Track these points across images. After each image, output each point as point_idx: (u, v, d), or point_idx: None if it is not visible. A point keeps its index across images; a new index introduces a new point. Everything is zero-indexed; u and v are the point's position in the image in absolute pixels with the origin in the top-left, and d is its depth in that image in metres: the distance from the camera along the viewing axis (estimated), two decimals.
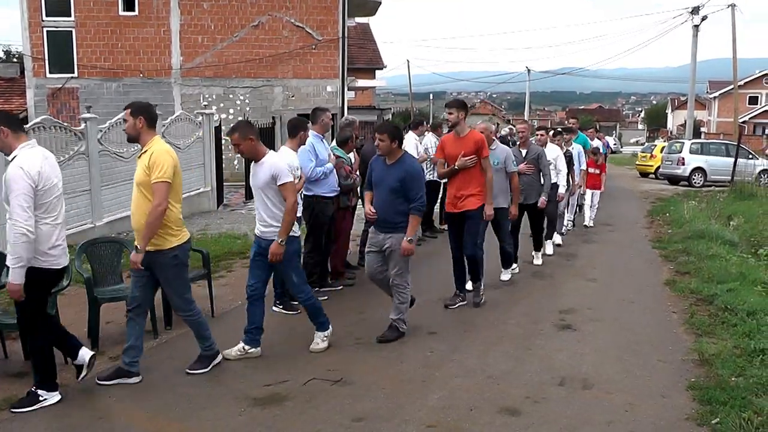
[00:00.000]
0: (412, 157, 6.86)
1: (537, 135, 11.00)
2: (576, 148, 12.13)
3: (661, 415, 4.83)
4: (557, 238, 11.40)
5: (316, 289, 7.62)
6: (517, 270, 9.20)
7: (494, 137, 8.40)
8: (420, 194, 6.26)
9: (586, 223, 13.67)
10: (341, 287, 8.40)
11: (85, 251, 6.57)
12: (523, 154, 9.27)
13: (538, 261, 9.96)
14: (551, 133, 11.15)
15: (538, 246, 10.14)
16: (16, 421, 4.73)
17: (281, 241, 5.78)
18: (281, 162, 5.96)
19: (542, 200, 9.39)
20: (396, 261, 6.34)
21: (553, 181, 10.08)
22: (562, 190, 10.63)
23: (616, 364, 5.87)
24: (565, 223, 12.34)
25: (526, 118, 63.62)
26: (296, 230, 6.11)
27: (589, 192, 13.54)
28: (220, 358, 5.75)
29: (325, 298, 7.76)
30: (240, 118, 14.39)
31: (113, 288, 6.62)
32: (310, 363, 5.81)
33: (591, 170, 13.34)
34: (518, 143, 9.64)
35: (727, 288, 8.07)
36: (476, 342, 6.46)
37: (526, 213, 9.45)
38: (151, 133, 5.34)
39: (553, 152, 10.44)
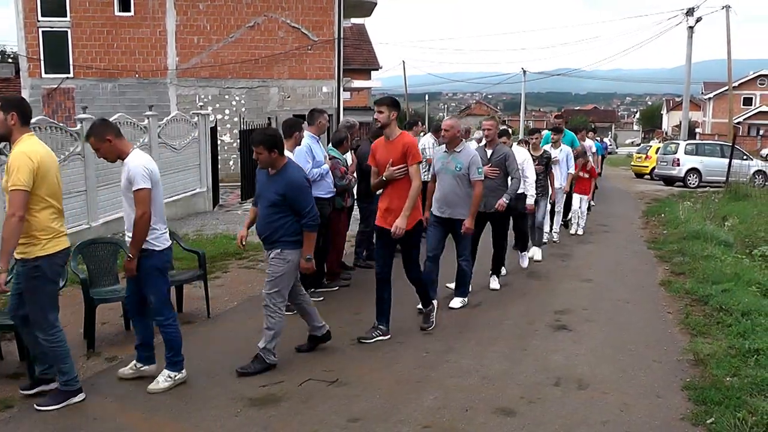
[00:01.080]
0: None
1: (532, 140, 10.63)
2: (564, 150, 11.65)
3: (656, 415, 4.85)
4: (536, 252, 10.36)
5: (312, 290, 7.63)
6: (466, 301, 7.71)
7: (463, 138, 7.83)
8: (308, 207, 5.56)
9: (572, 231, 12.75)
10: (337, 288, 8.40)
11: (80, 252, 6.55)
12: (488, 155, 8.25)
13: (494, 285, 8.53)
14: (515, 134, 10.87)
15: (496, 267, 8.68)
16: (12, 423, 4.73)
17: (130, 256, 5.16)
18: (140, 165, 5.09)
19: (501, 202, 8.07)
20: (267, 276, 5.70)
21: (519, 191, 8.89)
22: (530, 200, 9.39)
23: (612, 365, 5.88)
24: (548, 231, 11.52)
25: (522, 118, 63.67)
26: (159, 243, 5.29)
27: (576, 198, 12.71)
28: (80, 397, 5.03)
29: (321, 298, 7.77)
30: (169, 118, 14.37)
31: (109, 289, 6.60)
32: (306, 364, 5.81)
33: (580, 174, 12.71)
34: (485, 144, 8.43)
35: (722, 288, 8.09)
36: (471, 342, 6.47)
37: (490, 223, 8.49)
38: (23, 131, 4.79)
39: (519, 156, 9.16)
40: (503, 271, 8.92)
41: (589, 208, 14.13)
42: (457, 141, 7.31)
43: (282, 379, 5.47)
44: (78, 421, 4.75)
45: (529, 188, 9.32)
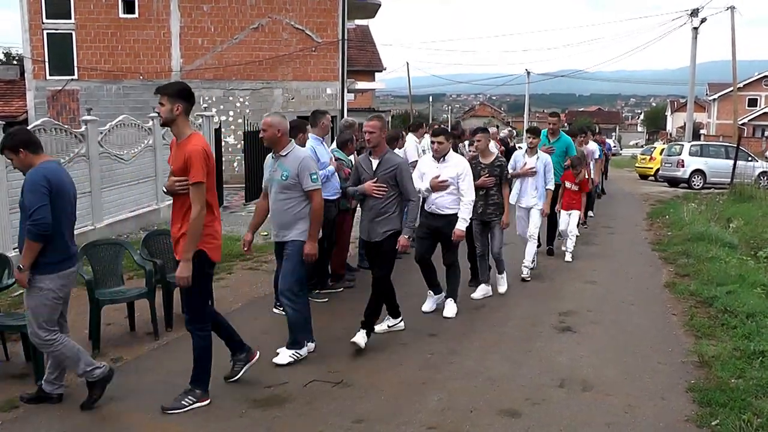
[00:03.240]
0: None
1: (529, 139, 9.51)
2: (542, 159, 9.21)
3: (660, 417, 4.84)
4: (482, 289, 8.19)
5: (317, 291, 7.63)
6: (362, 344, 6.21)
7: (304, 136, 6.78)
8: (33, 209, 4.62)
9: (567, 258, 10.40)
10: (341, 289, 8.41)
11: (85, 253, 6.57)
12: (373, 167, 6.38)
13: (380, 328, 6.72)
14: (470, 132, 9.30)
15: (392, 313, 6.89)
16: (18, 422, 4.74)
17: (20, 267, 4.74)
18: (39, 178, 4.68)
19: (401, 241, 6.33)
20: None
21: (450, 212, 7.18)
22: (461, 225, 7.12)
23: (616, 366, 5.88)
24: (528, 263, 9.18)
25: (525, 120, 63.55)
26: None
27: (564, 215, 10.58)
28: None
29: (325, 300, 7.78)
30: (86, 121, 14.33)
31: (114, 290, 6.63)
32: (310, 365, 5.82)
33: (568, 185, 10.59)
34: (369, 153, 6.58)
35: (727, 290, 8.08)
36: (476, 344, 6.47)
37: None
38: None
39: (457, 165, 7.24)
40: (502, 285, 8.34)
41: (584, 222, 12.84)
42: (280, 142, 5.76)
43: (286, 381, 5.48)
44: (84, 422, 4.76)
45: (463, 209, 7.16)
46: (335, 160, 8.13)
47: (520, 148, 12.19)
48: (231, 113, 23.14)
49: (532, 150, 9.30)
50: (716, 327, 6.93)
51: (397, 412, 4.93)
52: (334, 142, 8.76)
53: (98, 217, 11.42)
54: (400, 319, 6.89)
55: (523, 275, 9.05)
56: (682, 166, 25.27)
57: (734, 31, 32.62)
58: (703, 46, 31.81)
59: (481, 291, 8.17)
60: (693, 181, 24.99)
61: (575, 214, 10.57)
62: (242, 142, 18.50)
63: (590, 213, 14.13)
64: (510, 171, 8.79)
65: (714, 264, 9.63)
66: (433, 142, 7.30)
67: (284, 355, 5.88)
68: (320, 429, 4.66)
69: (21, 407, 4.97)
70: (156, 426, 4.75)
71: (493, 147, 12.16)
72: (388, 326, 6.81)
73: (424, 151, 11.33)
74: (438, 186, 7.17)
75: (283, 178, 5.72)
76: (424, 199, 7.42)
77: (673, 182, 25.91)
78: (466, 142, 15.33)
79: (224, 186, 17.55)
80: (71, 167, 10.52)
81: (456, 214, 7.15)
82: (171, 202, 5.25)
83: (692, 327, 6.97)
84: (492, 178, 8.10)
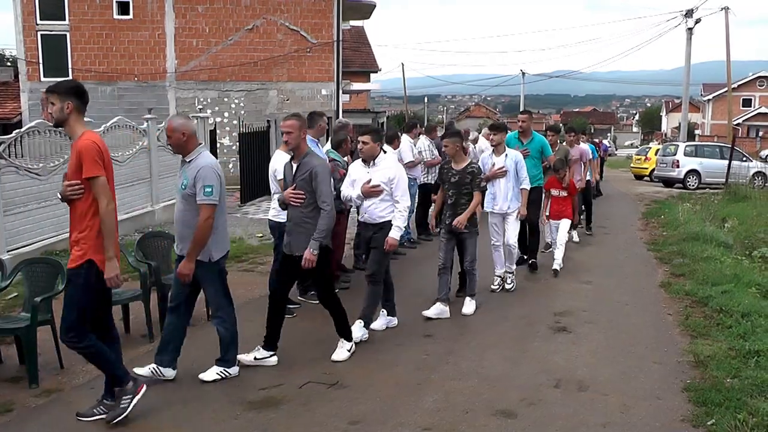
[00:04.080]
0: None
1: (491, 137, 8.67)
2: (511, 157, 8.35)
3: (656, 417, 4.84)
4: (436, 308, 7.29)
5: (311, 293, 7.61)
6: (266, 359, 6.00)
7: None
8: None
9: (554, 266, 9.47)
10: (336, 290, 8.37)
11: None
12: (293, 171, 5.87)
13: (356, 334, 6.37)
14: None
15: (389, 308, 6.93)
16: (11, 426, 4.72)
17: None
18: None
19: (307, 255, 5.68)
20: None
21: (384, 221, 6.50)
22: (395, 233, 6.43)
23: (612, 366, 5.88)
24: (500, 279, 8.52)
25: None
26: None
27: (552, 224, 9.89)
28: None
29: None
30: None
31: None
32: (306, 366, 5.80)
33: (554, 192, 9.79)
34: (292, 157, 6.03)
35: (722, 290, 8.09)
36: (471, 344, 6.47)
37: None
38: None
39: (388, 169, 6.53)
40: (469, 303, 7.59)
41: (588, 230, 12.94)
42: (186, 146, 5.27)
43: (282, 382, 5.47)
44: (77, 425, 4.74)
45: (397, 216, 6.48)
46: (330, 161, 8.10)
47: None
48: (226, 115, 23.13)
49: (498, 149, 8.41)
50: (711, 327, 6.93)
51: (392, 413, 4.92)
52: (329, 143, 8.74)
53: None
54: (352, 343, 6.22)
55: (506, 285, 8.47)
56: (677, 166, 25.32)
57: (728, 31, 32.68)
58: (698, 46, 31.89)
59: (435, 310, 7.26)
60: (688, 182, 25.04)
61: (565, 223, 9.68)
62: (237, 143, 18.48)
63: (591, 226, 13.21)
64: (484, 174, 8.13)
65: (709, 264, 9.64)
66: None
67: (211, 372, 5.48)
68: (315, 431, 4.65)
69: (15, 410, 4.95)
70: (150, 428, 4.73)
71: (481, 147, 11.99)
72: (256, 358, 5.97)
73: (420, 152, 11.35)
74: (369, 192, 6.49)
75: (182, 187, 5.24)
76: (358, 208, 6.99)
77: (668, 182, 25.96)
78: (470, 140, 15.35)
79: None
80: (65, 169, 10.47)
81: (390, 221, 6.47)
82: (168, 203, 5.24)
83: (687, 327, 6.97)
84: (504, 169, 8.19)
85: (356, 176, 6.65)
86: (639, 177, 29.75)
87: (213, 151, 16.52)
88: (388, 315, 6.98)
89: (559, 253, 9.57)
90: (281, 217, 7.21)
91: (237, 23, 22.99)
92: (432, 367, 5.84)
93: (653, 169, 28.05)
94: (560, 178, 9.65)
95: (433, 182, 11.27)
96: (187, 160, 5.26)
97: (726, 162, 23.33)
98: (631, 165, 32.22)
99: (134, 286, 7.28)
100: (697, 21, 30.25)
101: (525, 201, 8.46)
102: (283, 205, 5.97)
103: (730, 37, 32.94)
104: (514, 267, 8.67)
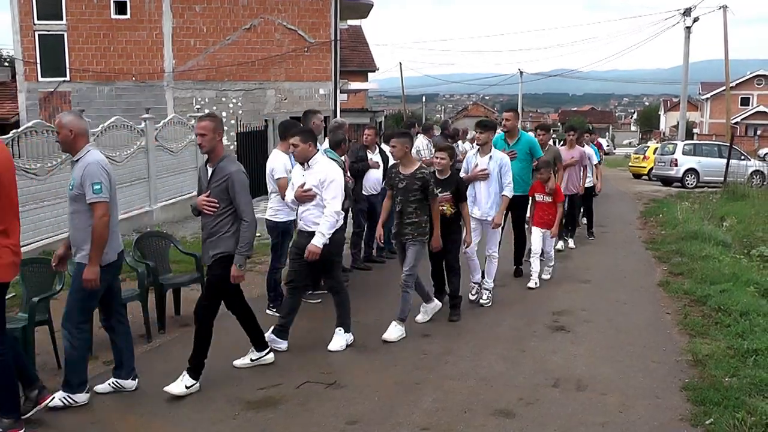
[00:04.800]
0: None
1: (477, 135, 7.95)
2: (496, 159, 7.69)
3: (655, 416, 4.84)
4: (395, 330, 6.55)
5: (310, 292, 7.61)
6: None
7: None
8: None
9: (530, 284, 8.58)
10: None
11: None
12: (208, 176, 5.40)
13: (242, 362, 5.91)
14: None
15: (343, 322, 6.39)
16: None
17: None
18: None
19: (233, 272, 5.28)
20: None
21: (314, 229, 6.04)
22: (318, 240, 5.93)
23: (610, 366, 5.87)
24: (489, 283, 7.84)
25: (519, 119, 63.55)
26: None
27: (536, 233, 8.87)
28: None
29: (318, 300, 7.76)
30: (165, 120, 14.28)
31: None
32: (304, 366, 5.80)
33: (538, 197, 8.90)
34: (207, 161, 5.53)
35: (721, 289, 8.08)
36: (470, 344, 6.46)
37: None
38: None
39: (320, 172, 6.10)
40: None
41: (591, 234, 12.19)
42: (74, 145, 4.96)
43: (280, 382, 5.46)
44: (75, 425, 4.73)
45: (323, 222, 6.00)
46: None
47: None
48: (224, 114, 23.05)
49: (484, 148, 7.78)
50: (710, 325, 6.93)
51: (390, 412, 4.91)
52: (326, 142, 8.73)
53: None
54: (350, 335, 6.31)
55: (482, 300, 7.77)
56: (676, 165, 25.33)
57: (727, 30, 32.69)
58: (696, 45, 31.91)
59: (395, 332, 6.54)
60: (686, 180, 25.05)
61: (548, 234, 8.91)
62: (235, 143, 18.47)
63: (592, 231, 12.57)
64: (462, 175, 7.76)
65: (707, 263, 9.64)
66: (355, 142, 6.71)
67: (56, 398, 4.98)
68: (313, 430, 4.65)
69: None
70: (148, 428, 4.73)
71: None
72: (251, 359, 5.85)
73: (417, 151, 11.33)
74: (302, 197, 6.12)
75: (70, 188, 4.94)
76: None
77: (667, 181, 25.96)
78: (459, 142, 15.31)
79: None
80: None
81: None
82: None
83: (686, 326, 6.97)
84: (486, 171, 7.62)
85: (295, 180, 6.31)
86: (637, 176, 29.75)
87: None
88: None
89: (536, 264, 8.73)
90: (279, 216, 7.23)
91: (235, 23, 22.97)
92: (430, 367, 5.83)
93: (651, 168, 28.05)
94: (542, 181, 8.76)
95: None
96: (75, 159, 4.97)
97: (724, 161, 23.34)
98: (630, 164, 32.23)
99: (132, 287, 7.26)
100: (696, 20, 30.29)
101: (503, 209, 7.77)
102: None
103: (728, 36, 32.95)
104: (492, 283, 7.90)
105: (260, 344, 5.91)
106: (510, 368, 5.82)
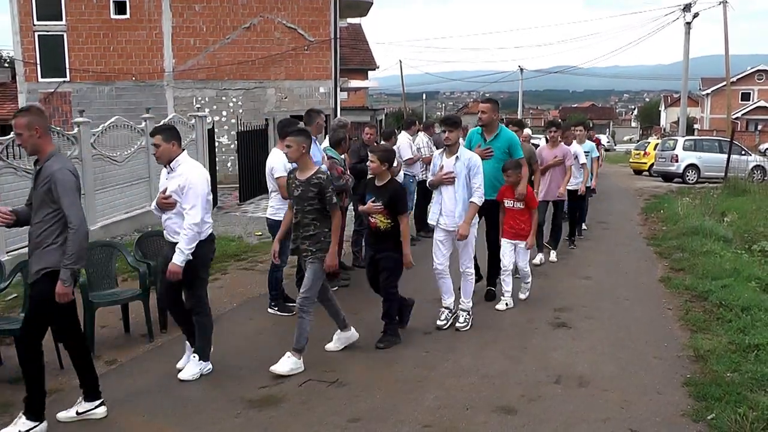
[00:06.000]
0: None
1: (445, 134, 6.79)
2: (464, 160, 6.66)
3: (656, 412, 4.84)
4: (289, 363, 5.68)
5: None
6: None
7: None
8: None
9: (498, 306, 7.52)
10: (336, 288, 8.37)
11: None
12: (35, 176, 4.71)
13: (66, 415, 4.88)
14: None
15: (201, 347, 5.65)
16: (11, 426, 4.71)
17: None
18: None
19: (59, 290, 4.50)
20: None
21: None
22: (177, 258, 5.29)
23: (612, 362, 5.87)
24: (466, 305, 6.92)
25: (519, 117, 63.57)
26: None
27: (505, 245, 7.67)
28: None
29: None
30: (165, 120, 14.23)
31: (108, 292, 6.60)
32: (306, 364, 5.79)
33: (507, 204, 7.62)
34: (36, 161, 4.84)
35: (722, 284, 8.08)
36: (471, 341, 6.46)
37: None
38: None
39: (181, 176, 5.42)
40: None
41: (572, 243, 10.98)
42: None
43: (282, 380, 5.47)
44: (78, 425, 4.74)
45: (182, 237, 5.33)
46: (328, 158, 8.11)
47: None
48: (224, 113, 23.09)
49: (451, 148, 6.76)
50: (711, 321, 6.93)
51: (392, 410, 4.92)
52: (326, 141, 8.74)
53: (92, 219, 11.36)
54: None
55: (458, 323, 6.80)
56: (676, 160, 25.32)
57: (727, 25, 32.66)
58: (696, 40, 31.89)
59: (286, 365, 5.66)
60: (687, 176, 25.04)
61: (521, 246, 7.66)
62: (236, 142, 18.47)
63: (583, 226, 12.30)
64: (429, 179, 7.04)
65: (709, 258, 9.64)
66: (355, 140, 6.15)
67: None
68: (316, 429, 4.65)
69: (15, 412, 4.94)
70: (151, 428, 4.74)
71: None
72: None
73: (418, 149, 11.35)
74: (162, 204, 5.50)
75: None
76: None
77: (667, 177, 25.95)
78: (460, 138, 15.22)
79: (218, 186, 17.50)
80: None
81: None
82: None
83: (687, 321, 6.97)
84: (452, 175, 6.61)
85: (160, 183, 5.70)
86: (638, 172, 29.73)
87: (211, 149, 16.50)
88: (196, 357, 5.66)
89: (507, 285, 7.61)
90: (279, 215, 7.22)
91: (234, 22, 22.95)
92: (432, 365, 5.84)
93: (652, 164, 28.04)
94: (511, 184, 7.53)
95: None
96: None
97: (725, 156, 23.32)
98: (630, 160, 32.20)
99: (134, 286, 7.27)
100: (696, 15, 30.29)
101: (469, 217, 6.63)
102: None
103: (728, 31, 32.92)
104: (470, 303, 6.94)
105: (91, 393, 4.88)
106: (512, 365, 5.82)
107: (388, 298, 6.37)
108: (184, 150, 5.58)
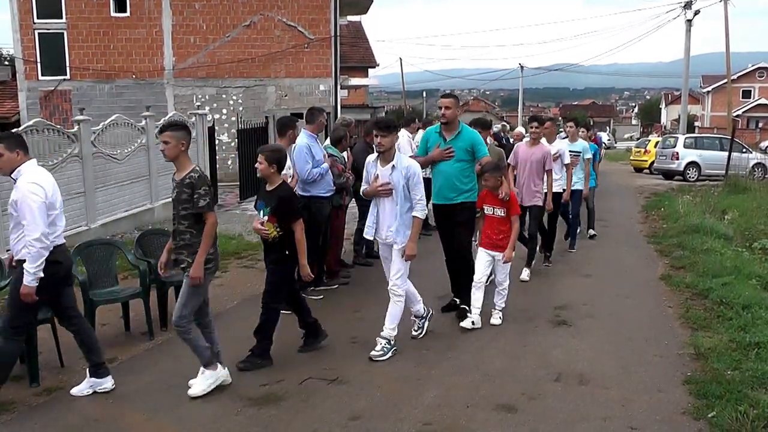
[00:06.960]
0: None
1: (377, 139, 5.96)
2: (401, 167, 5.93)
3: (657, 410, 4.84)
4: (197, 386, 5.16)
5: (312, 288, 7.62)
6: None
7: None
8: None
9: (492, 321, 6.86)
10: (336, 286, 8.39)
11: (79, 254, 6.54)
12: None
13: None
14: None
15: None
16: (12, 424, 4.72)
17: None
18: None
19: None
20: None
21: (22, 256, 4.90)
22: (27, 280, 4.76)
23: (612, 360, 5.87)
24: (389, 331, 6.06)
25: (519, 114, 63.52)
26: None
27: (481, 255, 6.89)
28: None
29: (321, 297, 7.77)
30: (165, 118, 14.23)
31: (108, 290, 6.60)
32: (306, 362, 5.80)
33: (487, 210, 6.92)
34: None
35: (722, 282, 8.08)
36: (471, 339, 6.46)
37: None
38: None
39: (16, 189, 4.91)
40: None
41: (547, 259, 9.67)
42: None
43: (282, 378, 5.47)
44: (79, 423, 4.75)
45: (26, 254, 4.83)
46: (328, 156, 8.11)
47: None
48: (224, 111, 23.08)
49: (385, 155, 5.98)
50: (712, 319, 6.93)
51: (393, 408, 4.92)
52: (328, 139, 8.75)
53: (92, 217, 11.37)
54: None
55: (374, 352, 5.91)
56: (677, 158, 25.30)
57: (728, 22, 32.61)
58: (697, 38, 31.85)
59: (201, 385, 5.17)
60: (688, 174, 25.02)
61: (499, 259, 6.83)
62: (236, 139, 18.46)
63: (591, 231, 11.90)
64: (363, 188, 6.28)
65: (709, 256, 9.64)
66: (355, 138, 5.62)
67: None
68: (316, 427, 4.65)
69: (17, 409, 4.96)
70: (152, 426, 4.74)
71: None
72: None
73: (418, 146, 11.33)
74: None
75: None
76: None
77: (668, 175, 25.93)
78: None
79: (218, 184, 17.50)
80: (64, 168, 10.49)
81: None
82: (167, 201, 5.22)
83: (688, 319, 6.97)
84: (389, 186, 5.91)
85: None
86: (638, 170, 29.73)
87: (211, 147, 16.49)
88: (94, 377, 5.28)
89: (477, 299, 6.77)
90: None
91: (234, 20, 22.93)
92: (432, 363, 5.84)
93: (653, 162, 28.04)
94: (491, 187, 6.81)
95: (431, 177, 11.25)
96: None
97: (726, 154, 23.30)
98: (631, 158, 32.20)
99: (134, 284, 7.27)
100: (696, 12, 30.22)
101: (414, 235, 5.95)
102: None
103: (729, 29, 32.88)
104: (393, 331, 6.05)
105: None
106: (512, 363, 5.82)
107: (267, 314, 5.72)
108: (32, 159, 5.05)
